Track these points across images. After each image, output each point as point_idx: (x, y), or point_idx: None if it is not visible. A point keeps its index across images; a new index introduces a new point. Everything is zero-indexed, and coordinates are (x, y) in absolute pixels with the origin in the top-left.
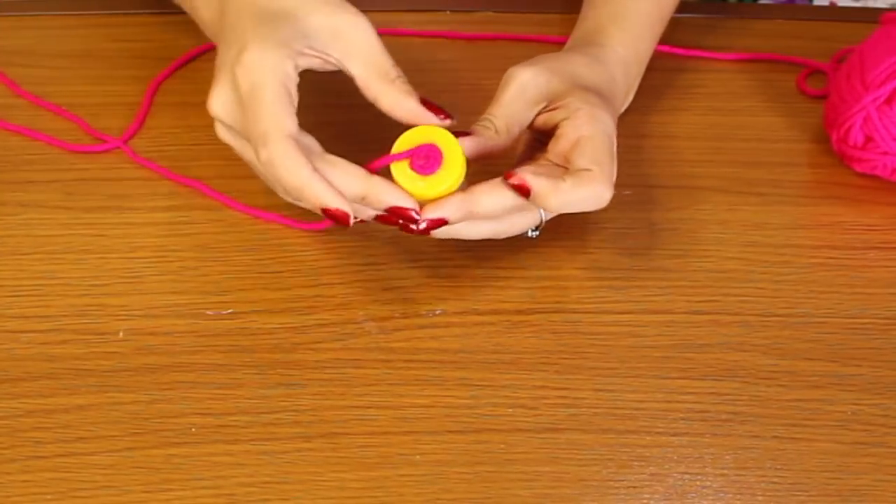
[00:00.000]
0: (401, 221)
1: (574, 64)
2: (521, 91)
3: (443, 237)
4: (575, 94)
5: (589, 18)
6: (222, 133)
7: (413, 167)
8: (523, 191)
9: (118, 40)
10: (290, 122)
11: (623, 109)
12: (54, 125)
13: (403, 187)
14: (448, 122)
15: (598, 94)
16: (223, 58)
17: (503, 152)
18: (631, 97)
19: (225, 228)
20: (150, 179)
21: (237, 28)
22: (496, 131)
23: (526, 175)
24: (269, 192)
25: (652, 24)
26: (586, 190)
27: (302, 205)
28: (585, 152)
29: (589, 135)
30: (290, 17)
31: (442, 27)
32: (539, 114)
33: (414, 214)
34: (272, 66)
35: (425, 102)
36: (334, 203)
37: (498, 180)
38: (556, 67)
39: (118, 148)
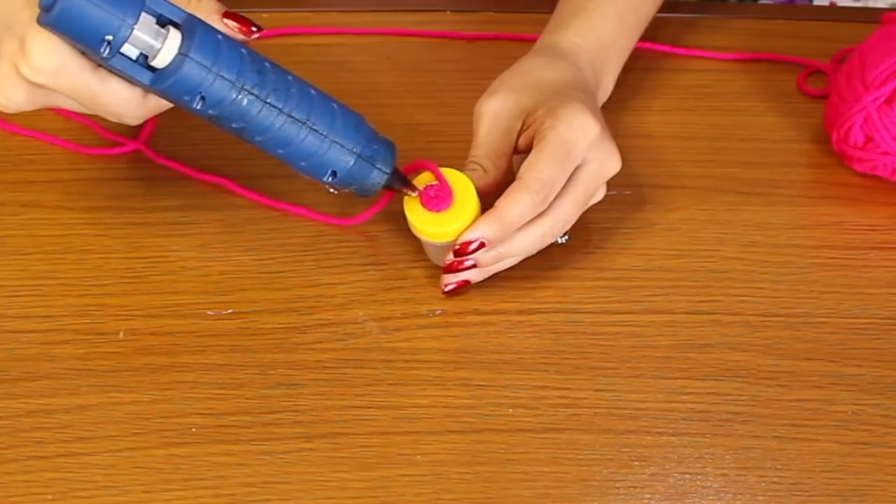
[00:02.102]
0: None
1: (533, 71)
2: (495, 123)
3: (489, 271)
4: (543, 104)
5: (555, 15)
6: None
7: (425, 205)
8: (479, 246)
9: None
10: None
11: (604, 98)
12: (55, 125)
13: (420, 228)
14: (255, 35)
15: (567, 87)
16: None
17: (499, 187)
18: (608, 85)
19: (225, 228)
20: (150, 179)
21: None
22: (484, 170)
23: (469, 234)
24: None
25: (620, 13)
26: (514, 201)
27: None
28: (527, 159)
29: (541, 138)
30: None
31: (442, 27)
32: (519, 135)
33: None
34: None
35: (228, 14)
36: None
37: (514, 185)
38: (518, 85)
39: (138, 149)
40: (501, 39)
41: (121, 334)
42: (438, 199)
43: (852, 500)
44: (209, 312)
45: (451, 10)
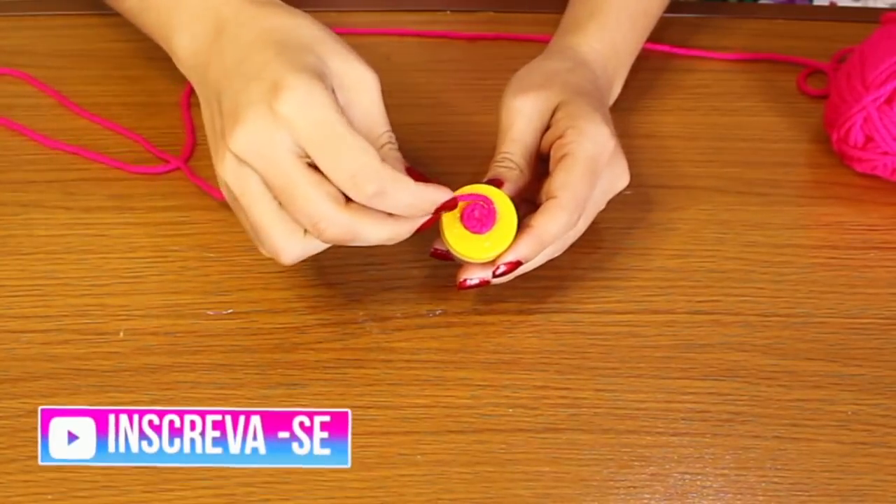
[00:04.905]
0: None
1: (560, 74)
2: (529, 122)
3: (504, 280)
4: (563, 108)
5: (569, 15)
6: (244, 183)
7: (466, 225)
8: (516, 265)
9: (118, 40)
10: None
11: (611, 101)
12: (56, 126)
13: (456, 248)
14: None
15: (587, 96)
16: (243, 95)
17: (527, 188)
18: (616, 89)
19: (225, 228)
20: (150, 179)
21: (255, 60)
22: (521, 170)
23: (509, 255)
24: None
25: (633, 16)
26: (551, 220)
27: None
28: (557, 177)
29: (569, 154)
30: (312, 52)
31: (442, 27)
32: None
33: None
34: (327, 99)
35: (411, 171)
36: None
37: (549, 202)
38: (545, 83)
39: (178, 169)
40: (501, 39)
41: (121, 334)
42: (482, 221)
43: (852, 500)
44: (209, 312)
45: (451, 10)
